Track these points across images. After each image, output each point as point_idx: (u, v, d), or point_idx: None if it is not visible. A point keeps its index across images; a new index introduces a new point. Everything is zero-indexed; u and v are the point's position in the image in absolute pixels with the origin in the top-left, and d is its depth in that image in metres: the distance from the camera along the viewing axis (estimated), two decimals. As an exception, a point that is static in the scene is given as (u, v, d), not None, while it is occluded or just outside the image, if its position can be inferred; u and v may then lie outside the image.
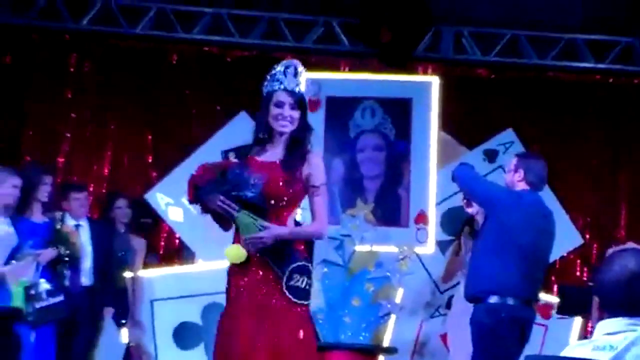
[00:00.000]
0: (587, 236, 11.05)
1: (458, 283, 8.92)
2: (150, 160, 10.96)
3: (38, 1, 10.74)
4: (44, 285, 8.45)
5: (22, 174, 8.81)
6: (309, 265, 6.11)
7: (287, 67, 6.16)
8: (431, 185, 10.10)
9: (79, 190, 9.43)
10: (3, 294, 8.44)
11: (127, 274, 9.60)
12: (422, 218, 10.05)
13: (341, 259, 9.71)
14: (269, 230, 5.93)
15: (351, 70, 11.06)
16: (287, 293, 5.93)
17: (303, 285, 5.98)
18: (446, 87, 10.34)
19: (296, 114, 6.05)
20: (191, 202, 6.19)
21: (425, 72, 10.97)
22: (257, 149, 6.14)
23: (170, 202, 9.81)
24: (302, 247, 6.13)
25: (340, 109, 10.43)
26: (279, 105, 6.04)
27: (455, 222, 9.59)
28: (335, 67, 11.07)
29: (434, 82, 10.35)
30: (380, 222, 10.06)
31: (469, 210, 8.46)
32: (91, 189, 10.37)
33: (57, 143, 11.17)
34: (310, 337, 6.20)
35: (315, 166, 6.09)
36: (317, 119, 10.10)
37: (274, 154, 6.10)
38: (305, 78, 6.16)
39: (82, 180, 10.52)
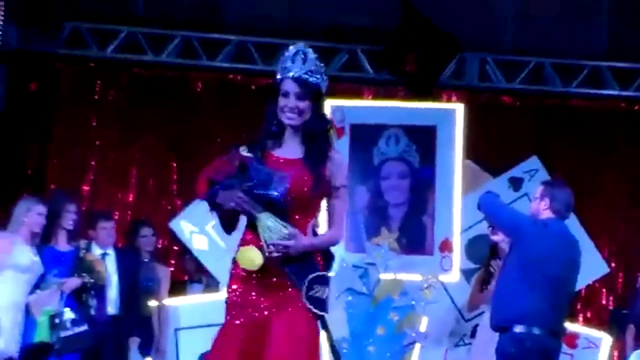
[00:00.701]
0: (613, 264, 10.96)
1: (483, 312, 8.75)
2: (174, 188, 10.96)
3: (64, 29, 10.81)
4: (69, 314, 8.48)
5: (47, 202, 8.85)
6: (328, 274, 5.52)
7: (295, 53, 5.51)
8: (456, 213, 10.10)
9: (106, 219, 9.42)
10: (28, 323, 8.48)
11: (152, 303, 9.56)
12: (446, 246, 10.03)
13: (366, 287, 9.74)
14: (297, 241, 5.32)
15: (375, 97, 11.10)
16: (307, 304, 5.35)
17: (324, 297, 5.40)
18: (471, 114, 10.30)
19: (304, 105, 5.41)
20: (204, 198, 5.43)
21: (449, 100, 10.99)
22: (270, 143, 5.55)
23: (195, 230, 9.80)
24: (320, 255, 5.53)
25: (365, 136, 10.41)
26: (285, 95, 5.44)
27: (480, 250, 9.49)
28: (359, 95, 11.09)
29: (459, 109, 10.31)
30: (404, 250, 10.05)
31: (494, 238, 8.43)
32: (116, 216, 10.32)
33: (82, 171, 11.19)
34: (316, 352, 5.51)
35: (338, 165, 5.52)
36: (341, 146, 10.04)
37: (292, 150, 5.53)
38: (316, 65, 5.45)
39: (107, 208, 10.48)
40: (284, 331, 5.38)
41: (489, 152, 10.96)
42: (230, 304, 5.50)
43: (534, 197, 7.96)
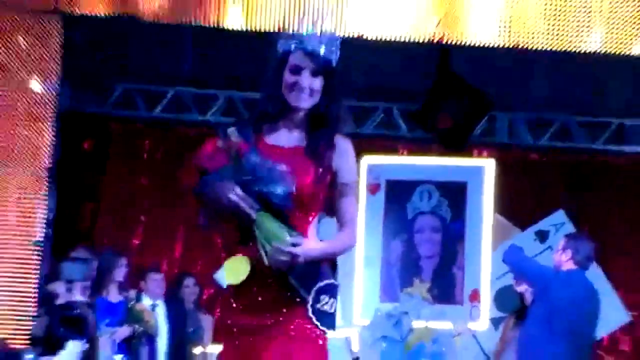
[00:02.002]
0: (636, 313, 10.88)
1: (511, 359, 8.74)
2: (219, 242, 11.07)
3: (115, 92, 10.91)
4: None
5: (98, 257, 9.01)
6: (336, 283, 4.45)
7: (308, 24, 4.50)
8: (484, 264, 10.18)
9: (156, 271, 9.65)
10: None
11: (197, 350, 9.70)
12: (476, 296, 10.14)
13: (399, 335, 9.66)
14: (304, 248, 4.29)
15: (409, 154, 11.12)
16: (313, 319, 4.34)
17: (332, 310, 4.39)
18: (500, 170, 10.38)
19: (318, 84, 4.37)
20: (195, 191, 4.37)
21: (480, 156, 11.06)
22: (266, 127, 4.47)
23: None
24: (327, 261, 4.49)
25: (399, 191, 10.50)
26: (296, 70, 4.36)
27: (507, 300, 9.68)
28: (394, 152, 11.17)
29: (489, 165, 10.44)
30: (436, 300, 10.06)
31: (519, 288, 8.60)
32: (164, 269, 10.48)
33: (132, 226, 11.36)
34: None
35: (346, 156, 4.46)
36: (377, 202, 10.43)
37: (290, 136, 4.46)
38: (333, 36, 4.49)
39: (155, 262, 10.64)
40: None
41: (518, 206, 10.95)
42: (221, 327, 4.53)
43: (556, 248, 8.19)
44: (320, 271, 4.36)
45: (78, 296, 8.36)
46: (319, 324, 4.33)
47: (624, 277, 10.90)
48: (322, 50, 4.40)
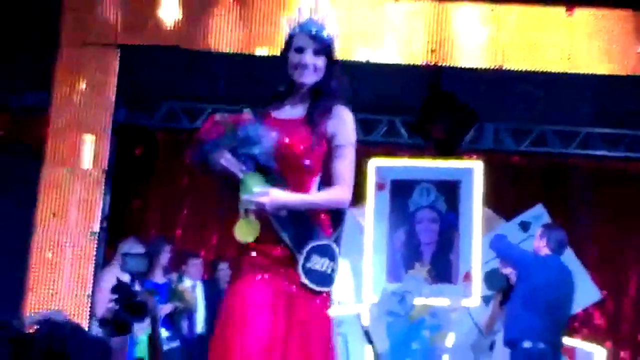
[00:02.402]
0: (605, 292, 10.97)
1: (498, 331, 8.87)
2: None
3: (162, 108, 11.00)
4: (164, 333, 8.55)
5: (147, 244, 9.06)
6: (332, 245, 4.18)
7: (306, 7, 4.39)
8: (475, 250, 10.20)
9: (195, 257, 9.70)
10: (130, 343, 8.28)
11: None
12: (468, 277, 10.17)
13: (403, 310, 9.74)
14: (270, 196, 4.07)
15: (410, 157, 11.04)
16: (303, 277, 4.10)
17: (323, 269, 4.12)
18: (487, 171, 10.44)
19: (321, 62, 4.28)
20: (192, 160, 4.25)
21: (470, 159, 10.93)
22: (276, 104, 4.38)
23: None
24: (326, 222, 4.24)
25: (402, 189, 10.53)
26: (299, 51, 4.28)
27: (495, 280, 9.60)
28: (397, 156, 11.11)
29: (477, 167, 10.48)
30: (434, 280, 10.16)
31: (504, 271, 8.67)
32: (202, 255, 10.52)
33: (174, 219, 11.39)
34: (328, 334, 4.23)
35: (341, 122, 4.26)
36: (383, 198, 10.48)
37: (296, 110, 4.33)
38: (331, 19, 4.37)
39: (195, 249, 10.71)
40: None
41: (503, 202, 10.92)
42: (241, 264, 4.23)
43: (535, 236, 8.26)
44: (314, 232, 4.16)
45: (138, 286, 8.35)
46: (307, 281, 4.11)
47: (594, 260, 10.92)
48: (322, 32, 4.31)
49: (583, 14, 9.85)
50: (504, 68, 9.84)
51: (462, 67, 9.92)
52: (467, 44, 9.86)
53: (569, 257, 10.13)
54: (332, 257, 4.18)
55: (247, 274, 4.20)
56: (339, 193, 4.24)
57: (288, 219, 4.16)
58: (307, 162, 4.21)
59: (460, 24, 9.85)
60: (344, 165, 4.25)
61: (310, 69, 4.28)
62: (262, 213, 4.10)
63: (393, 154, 11.03)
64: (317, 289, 4.14)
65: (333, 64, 4.35)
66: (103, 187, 9.99)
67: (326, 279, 4.15)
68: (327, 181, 4.29)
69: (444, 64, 9.93)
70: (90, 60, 10.01)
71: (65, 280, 9.65)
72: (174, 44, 9.70)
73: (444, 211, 10.49)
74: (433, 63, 9.91)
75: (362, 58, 9.61)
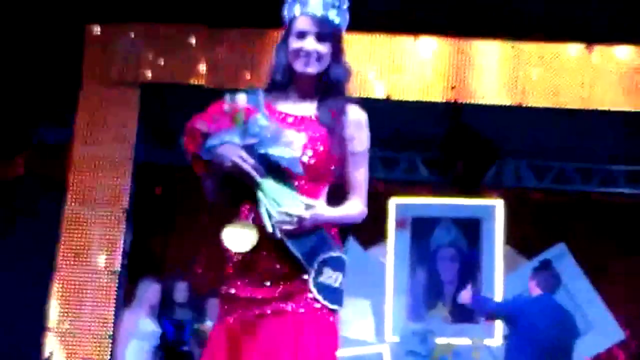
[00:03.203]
0: (629, 330, 10.87)
1: None
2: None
3: (179, 145, 10.87)
4: None
5: (164, 282, 9.08)
6: (343, 257, 3.71)
7: None
8: (497, 288, 10.12)
9: (216, 297, 9.64)
10: None
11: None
12: (491, 317, 9.79)
13: (425, 350, 9.69)
14: (314, 211, 3.60)
15: (431, 195, 10.99)
16: (315, 293, 3.57)
17: (337, 284, 3.62)
18: (508, 209, 10.39)
19: (324, 49, 3.74)
20: (195, 152, 3.67)
21: (491, 196, 10.91)
22: (274, 95, 3.81)
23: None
24: (335, 231, 3.77)
25: (423, 227, 10.51)
26: (301, 35, 3.73)
27: None
28: (418, 193, 11.03)
29: (499, 205, 10.43)
30: (456, 320, 10.12)
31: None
32: None
33: (194, 256, 11.36)
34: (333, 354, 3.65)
35: (359, 126, 3.78)
36: (404, 236, 10.45)
37: (302, 105, 3.80)
38: (340, 1, 3.80)
39: (216, 287, 10.61)
40: (286, 339, 3.57)
41: (524, 239, 10.91)
42: (223, 297, 3.77)
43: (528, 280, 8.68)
44: (325, 243, 3.66)
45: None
46: (320, 297, 3.58)
47: (617, 298, 10.82)
48: (328, 14, 3.77)
49: (603, 50, 9.89)
50: (524, 105, 9.83)
51: (483, 104, 9.93)
52: (488, 80, 9.89)
53: (590, 295, 10.20)
54: (343, 270, 3.70)
55: (234, 320, 3.69)
56: (359, 207, 3.80)
57: (300, 232, 3.61)
58: (325, 167, 3.74)
59: (481, 60, 9.91)
60: (361, 175, 3.82)
61: (313, 57, 3.75)
62: (301, 228, 3.58)
63: (413, 192, 10.99)
64: (332, 307, 3.62)
65: (339, 51, 3.83)
66: (124, 226, 9.99)
67: (338, 295, 3.64)
68: (336, 189, 3.81)
69: (464, 101, 9.95)
70: (111, 98, 10.09)
71: (85, 319, 9.67)
72: (195, 83, 9.81)
73: (465, 249, 10.47)
74: (453, 100, 9.94)
75: (382, 94, 9.62)
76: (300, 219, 3.55)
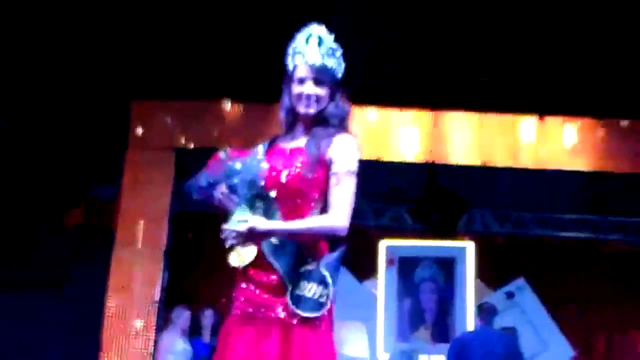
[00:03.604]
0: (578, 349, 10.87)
1: None
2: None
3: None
4: None
5: (193, 309, 9.17)
6: (320, 269, 3.47)
7: (309, 36, 3.66)
8: (469, 314, 10.07)
9: None
10: None
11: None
12: None
13: None
14: (253, 224, 3.47)
15: (414, 238, 10.89)
16: (289, 303, 3.43)
17: (310, 295, 3.43)
18: (478, 250, 10.41)
19: (322, 91, 3.63)
20: (190, 193, 3.71)
21: (463, 239, 10.82)
22: (284, 135, 3.74)
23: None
24: (324, 248, 3.55)
25: (408, 265, 10.48)
26: (301, 82, 3.64)
27: None
28: (404, 237, 10.95)
29: (470, 246, 10.44)
30: (435, 340, 10.08)
31: None
32: None
33: (221, 290, 11.21)
34: None
35: (340, 148, 3.57)
36: (392, 272, 10.39)
37: (299, 138, 3.68)
38: (332, 47, 3.66)
39: None
40: (275, 344, 3.45)
41: (491, 274, 10.88)
42: (233, 299, 3.69)
43: None
44: (301, 257, 3.49)
45: None
46: (294, 308, 3.44)
47: (567, 322, 10.83)
48: (324, 62, 3.65)
49: (552, 120, 9.98)
50: (488, 165, 9.91)
51: (455, 164, 9.97)
52: (458, 144, 9.96)
53: (545, 321, 10.18)
54: (321, 282, 3.47)
55: (237, 317, 3.58)
56: (330, 220, 3.51)
57: (279, 247, 3.51)
58: (301, 189, 3.55)
59: (452, 128, 9.98)
60: (338, 192, 3.53)
61: (312, 100, 3.65)
62: (248, 241, 3.53)
63: (400, 236, 10.92)
64: (305, 315, 3.44)
65: (337, 92, 3.70)
66: (162, 264, 10.00)
67: (315, 304, 3.45)
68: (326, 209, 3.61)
69: (440, 162, 9.99)
70: (151, 160, 10.11)
71: (132, 343, 9.67)
72: (220, 146, 9.80)
73: (443, 283, 10.41)
74: (430, 161, 9.98)
75: (373, 156, 9.58)
76: (237, 233, 3.49)
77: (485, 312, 8.48)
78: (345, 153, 3.58)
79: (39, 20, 9.03)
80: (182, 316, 9.22)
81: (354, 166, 3.59)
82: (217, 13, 9.04)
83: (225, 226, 3.53)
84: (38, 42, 9.24)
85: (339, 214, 3.51)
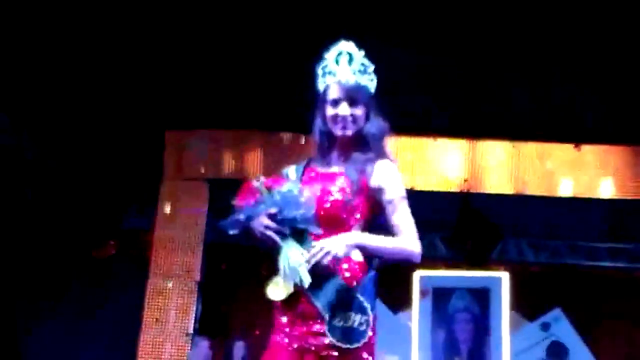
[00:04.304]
0: None
1: None
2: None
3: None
4: None
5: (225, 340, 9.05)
6: (358, 297, 3.31)
7: (339, 54, 3.45)
8: (504, 346, 9.92)
9: None
10: None
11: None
12: None
13: None
14: (331, 240, 3.29)
15: (448, 268, 10.84)
16: (329, 335, 3.24)
17: (348, 324, 3.25)
18: (512, 279, 10.23)
19: (358, 111, 3.45)
20: (230, 230, 3.47)
21: (497, 269, 10.69)
22: (319, 157, 3.56)
23: None
24: (353, 275, 3.35)
25: (442, 295, 10.34)
26: (335, 103, 3.45)
27: None
28: (437, 267, 10.85)
29: (504, 276, 10.26)
30: None
31: None
32: None
33: (253, 321, 10.93)
34: None
35: (387, 175, 3.43)
36: (427, 303, 10.24)
37: (339, 162, 3.51)
38: (363, 64, 3.47)
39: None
40: None
41: (527, 305, 10.70)
42: (271, 331, 3.48)
43: None
44: (338, 287, 3.29)
45: None
46: (334, 340, 3.24)
47: (604, 351, 10.63)
48: (357, 80, 3.45)
49: (588, 149, 9.95)
50: (524, 194, 9.87)
51: (490, 193, 9.98)
52: (494, 173, 9.95)
53: (585, 353, 10.01)
54: (359, 309, 3.30)
55: (275, 349, 3.38)
56: (410, 244, 3.40)
57: (315, 277, 3.28)
58: (340, 215, 3.37)
59: (488, 157, 9.96)
60: (402, 218, 3.41)
61: (349, 121, 3.46)
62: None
63: (434, 266, 10.77)
64: (344, 346, 3.24)
65: (372, 111, 3.51)
66: (196, 295, 10.00)
67: (354, 333, 3.27)
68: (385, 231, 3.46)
69: (474, 191, 10.00)
70: (185, 191, 10.16)
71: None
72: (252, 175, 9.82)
73: (477, 313, 10.26)
74: (466, 190, 10.00)
75: (408, 186, 9.48)
76: (323, 254, 3.25)
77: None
78: (393, 179, 3.44)
79: (74, 53, 9.13)
80: (199, 345, 9.21)
81: (403, 190, 3.47)
82: (251, 45, 9.14)
83: (286, 264, 3.26)
84: (73, 75, 9.31)
85: (414, 239, 3.41)
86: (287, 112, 9.31)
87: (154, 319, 9.85)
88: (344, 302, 3.28)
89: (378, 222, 3.48)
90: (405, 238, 3.40)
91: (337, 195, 3.39)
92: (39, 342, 10.39)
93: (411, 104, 8.91)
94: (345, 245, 3.30)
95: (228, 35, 9.24)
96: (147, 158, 10.12)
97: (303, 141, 9.62)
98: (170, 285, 9.98)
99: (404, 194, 3.47)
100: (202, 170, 10.18)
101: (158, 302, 9.92)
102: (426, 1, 8.80)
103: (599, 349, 10.49)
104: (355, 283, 3.33)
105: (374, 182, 3.42)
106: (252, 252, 11.24)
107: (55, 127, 9.62)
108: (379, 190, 3.43)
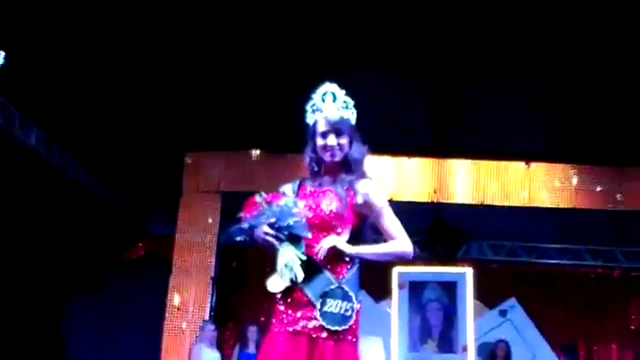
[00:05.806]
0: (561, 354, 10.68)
1: None
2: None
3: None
4: None
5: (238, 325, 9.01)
6: (343, 287, 3.37)
7: (324, 94, 3.54)
8: (469, 330, 9.93)
9: None
10: None
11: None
12: (465, 349, 9.87)
13: None
14: (327, 240, 3.38)
15: (422, 265, 10.57)
16: (320, 320, 3.31)
17: (336, 310, 3.33)
18: (476, 274, 10.24)
19: (344, 140, 3.52)
20: (235, 236, 3.48)
21: (463, 266, 10.64)
22: (311, 178, 3.60)
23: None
24: (338, 269, 3.40)
25: (417, 287, 10.33)
26: (324, 135, 3.52)
27: (484, 352, 9.67)
28: (413, 264, 10.41)
29: (469, 272, 10.27)
30: (441, 351, 9.94)
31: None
32: None
33: (260, 309, 10.93)
34: None
35: (370, 191, 3.48)
36: (404, 294, 10.22)
37: (327, 181, 3.56)
38: (345, 101, 3.54)
39: None
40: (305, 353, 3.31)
41: (487, 295, 10.71)
42: (271, 317, 3.48)
43: None
44: (326, 280, 3.35)
45: None
46: (324, 323, 3.32)
47: (552, 335, 10.66)
48: (341, 114, 3.52)
49: (537, 166, 10.02)
50: (484, 203, 9.93)
51: (456, 203, 10.00)
52: (459, 186, 9.97)
53: (532, 333, 10.05)
54: (344, 298, 3.37)
55: (275, 332, 3.40)
56: (402, 245, 3.50)
57: (306, 273, 3.37)
58: (335, 223, 3.43)
59: (454, 173, 10.00)
60: (391, 223, 3.50)
61: (336, 149, 3.53)
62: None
63: (410, 263, 10.27)
64: (334, 328, 3.33)
65: (354, 138, 3.57)
66: (210, 289, 10.02)
67: (341, 318, 3.35)
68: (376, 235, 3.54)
69: (443, 201, 10.02)
70: (201, 202, 10.14)
71: (185, 352, 9.62)
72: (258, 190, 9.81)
73: (447, 303, 10.26)
74: (436, 201, 10.02)
75: (387, 197, 9.45)
76: (322, 251, 3.35)
77: None
78: (376, 193, 3.52)
79: (112, 86, 9.07)
80: (205, 329, 9.07)
81: (386, 201, 3.54)
82: (258, 83, 9.20)
83: (285, 262, 3.35)
84: (112, 106, 9.29)
85: (405, 240, 3.51)
86: (287, 136, 9.36)
87: (176, 309, 9.87)
88: (332, 292, 3.37)
89: (369, 221, 3.56)
90: (399, 241, 3.50)
91: (329, 207, 3.45)
92: (78, 334, 10.40)
93: (389, 127, 8.96)
94: (344, 248, 3.39)
95: (238, 73, 9.26)
96: (169, 174, 10.16)
97: (297, 160, 9.62)
98: (189, 280, 9.99)
99: (387, 202, 3.54)
100: (216, 185, 10.19)
101: (179, 294, 9.92)
102: (392, 23, 8.72)
103: (547, 330, 10.57)
104: (341, 277, 3.42)
105: (359, 199, 3.49)
106: (257, 253, 11.30)
107: (93, 150, 9.61)
108: (366, 204, 3.50)
